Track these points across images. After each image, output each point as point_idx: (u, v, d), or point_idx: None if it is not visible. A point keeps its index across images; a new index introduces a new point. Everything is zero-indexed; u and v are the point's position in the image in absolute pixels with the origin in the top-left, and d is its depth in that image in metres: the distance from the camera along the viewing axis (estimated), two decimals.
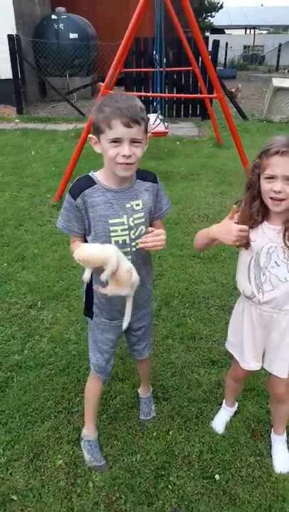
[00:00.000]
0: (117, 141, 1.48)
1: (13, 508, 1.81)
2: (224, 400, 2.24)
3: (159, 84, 5.77)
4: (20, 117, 9.45)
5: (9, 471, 1.96)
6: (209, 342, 2.76)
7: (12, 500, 1.84)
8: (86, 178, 1.63)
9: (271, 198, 1.54)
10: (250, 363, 1.86)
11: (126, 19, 5.34)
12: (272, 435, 2.10)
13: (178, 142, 7.60)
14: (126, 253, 1.61)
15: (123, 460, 2.02)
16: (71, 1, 12.43)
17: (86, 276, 1.53)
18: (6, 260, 3.70)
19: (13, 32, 9.72)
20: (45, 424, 2.19)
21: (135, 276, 1.56)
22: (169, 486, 1.91)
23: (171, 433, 2.15)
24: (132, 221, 1.63)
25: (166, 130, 5.77)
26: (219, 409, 2.26)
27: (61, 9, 11.68)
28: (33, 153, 6.79)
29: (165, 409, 2.29)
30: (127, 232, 1.63)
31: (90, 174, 1.65)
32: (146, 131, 1.55)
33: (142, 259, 1.73)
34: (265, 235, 1.62)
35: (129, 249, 1.65)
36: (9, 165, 6.19)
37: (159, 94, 5.82)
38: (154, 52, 5.79)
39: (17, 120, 9.25)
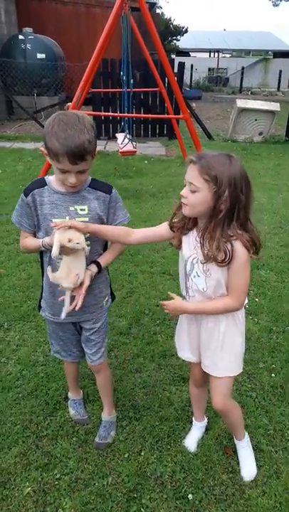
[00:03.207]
0: (64, 171, 1.60)
1: None
2: (193, 417, 2.24)
3: (126, 105, 5.86)
4: None
5: None
6: (180, 359, 2.72)
7: None
8: (40, 180, 1.77)
9: None
10: (185, 353, 1.97)
11: (93, 40, 5.42)
12: (235, 440, 2.11)
13: (146, 161, 7.70)
14: None
15: (94, 484, 1.96)
16: (38, 21, 12.52)
17: (55, 252, 1.59)
18: None
19: None
20: (13, 450, 2.11)
21: (80, 281, 1.71)
22: (142, 509, 1.86)
23: (143, 453, 2.11)
24: None
25: (135, 149, 5.83)
26: (190, 427, 2.25)
27: (28, 30, 11.74)
28: None
29: (136, 429, 2.25)
30: None
31: (44, 177, 1.77)
32: (93, 155, 1.62)
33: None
34: (192, 244, 1.69)
35: None
36: None
37: (126, 114, 5.89)
38: (122, 73, 5.89)
39: None
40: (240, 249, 1.56)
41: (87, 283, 1.74)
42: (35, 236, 1.81)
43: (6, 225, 4.75)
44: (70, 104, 4.68)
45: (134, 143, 5.81)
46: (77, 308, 1.75)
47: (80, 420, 2.27)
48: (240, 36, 31.00)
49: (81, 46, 12.59)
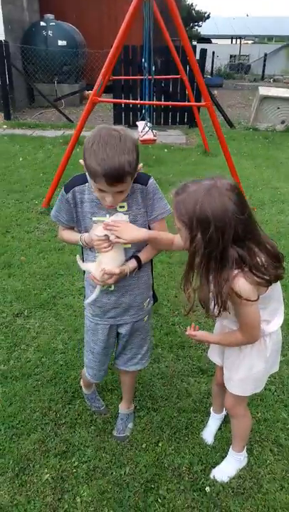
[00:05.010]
0: (101, 191, 1.54)
1: None
2: (212, 408, 2.23)
3: (147, 92, 5.78)
4: (8, 123, 9.37)
5: None
6: (198, 351, 2.73)
7: None
8: (81, 176, 1.68)
9: None
10: (213, 355, 1.97)
11: (114, 27, 5.36)
12: (230, 449, 2.03)
13: (166, 150, 7.61)
14: None
15: (111, 473, 1.97)
16: (60, 8, 12.42)
17: (96, 240, 1.63)
18: None
19: (2, 38, 9.67)
20: (32, 437, 2.13)
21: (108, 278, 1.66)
22: (159, 500, 1.87)
23: (160, 444, 2.12)
24: None
25: (155, 138, 5.76)
26: (208, 419, 2.24)
27: (50, 16, 11.66)
28: (20, 159, 6.74)
29: (154, 420, 2.25)
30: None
31: (86, 173, 1.64)
32: (133, 175, 1.56)
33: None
34: None
35: None
36: None
37: (147, 101, 5.82)
38: (143, 60, 5.81)
39: (4, 126, 9.18)
40: (234, 291, 1.41)
41: (115, 272, 1.64)
42: (72, 230, 1.80)
43: (26, 212, 4.78)
44: (90, 92, 4.63)
45: (154, 131, 5.74)
46: (97, 276, 1.65)
47: (98, 411, 2.28)
48: (263, 22, 30.24)
49: (102, 33, 12.47)
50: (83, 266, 1.77)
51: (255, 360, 1.72)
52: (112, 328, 1.91)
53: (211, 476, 1.97)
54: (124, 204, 1.66)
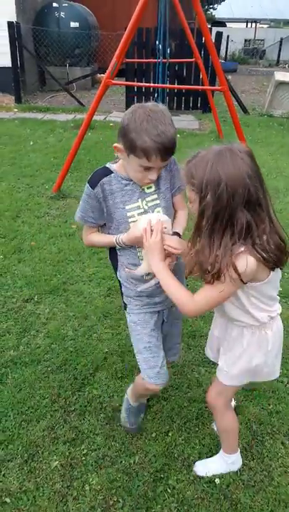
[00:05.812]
0: (148, 168, 1.52)
1: (7, 511, 1.75)
2: None
3: (161, 76, 5.66)
4: (19, 106, 9.28)
5: (2, 473, 1.90)
6: None
7: (5, 503, 1.78)
8: (103, 168, 1.66)
9: None
10: (208, 352, 1.92)
11: (127, 9, 5.23)
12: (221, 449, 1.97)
13: (178, 135, 7.47)
14: None
15: (121, 462, 1.96)
16: None
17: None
18: (2, 252, 3.61)
19: (13, 19, 9.50)
20: (41, 424, 2.12)
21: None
22: (168, 490, 1.85)
23: (170, 434, 2.09)
24: (146, 204, 1.65)
25: None
26: None
27: None
28: (31, 143, 6.67)
29: (164, 409, 2.22)
30: None
31: (106, 165, 1.67)
32: None
33: None
34: None
35: None
36: (7, 155, 6.07)
37: (162, 85, 5.70)
38: (157, 42, 5.68)
39: (15, 109, 9.09)
40: (234, 266, 1.33)
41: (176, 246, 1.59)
42: (98, 230, 1.74)
43: (37, 197, 4.74)
44: (102, 75, 4.54)
45: None
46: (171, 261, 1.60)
47: (128, 429, 2.09)
48: (280, 5, 29.49)
49: (114, 15, 12.21)
50: (138, 272, 1.67)
51: (255, 354, 1.62)
52: (160, 316, 1.84)
53: (194, 467, 1.92)
54: (152, 184, 1.65)
